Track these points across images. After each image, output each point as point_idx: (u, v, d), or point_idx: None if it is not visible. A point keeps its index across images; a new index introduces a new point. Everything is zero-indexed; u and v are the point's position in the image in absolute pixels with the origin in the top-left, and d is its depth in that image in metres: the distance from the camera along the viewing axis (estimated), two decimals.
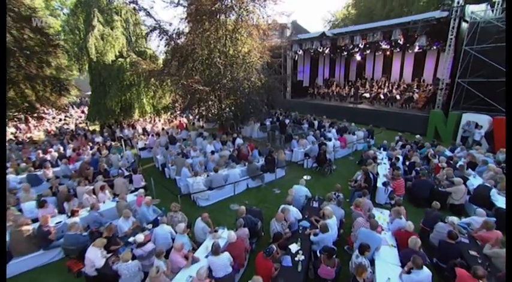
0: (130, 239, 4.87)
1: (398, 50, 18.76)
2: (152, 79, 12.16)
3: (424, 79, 18.41)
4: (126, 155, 10.05)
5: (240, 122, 15.36)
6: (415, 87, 17.00)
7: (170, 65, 10.85)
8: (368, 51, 20.72)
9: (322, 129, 12.02)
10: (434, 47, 16.92)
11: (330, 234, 4.67)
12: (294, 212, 5.32)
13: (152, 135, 12.93)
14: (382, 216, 5.38)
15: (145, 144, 12.31)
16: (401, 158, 8.26)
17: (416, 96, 15.47)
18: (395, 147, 9.29)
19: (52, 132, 17.04)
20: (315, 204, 6.05)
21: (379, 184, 6.95)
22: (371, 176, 6.93)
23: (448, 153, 8.99)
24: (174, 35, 10.74)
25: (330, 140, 10.16)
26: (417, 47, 13.22)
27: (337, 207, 5.35)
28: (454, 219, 4.73)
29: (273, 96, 13.60)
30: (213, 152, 9.44)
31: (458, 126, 12.08)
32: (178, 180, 8.46)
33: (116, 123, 16.44)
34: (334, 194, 6.04)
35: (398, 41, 13.48)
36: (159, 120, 17.35)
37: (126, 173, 8.50)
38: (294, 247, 4.58)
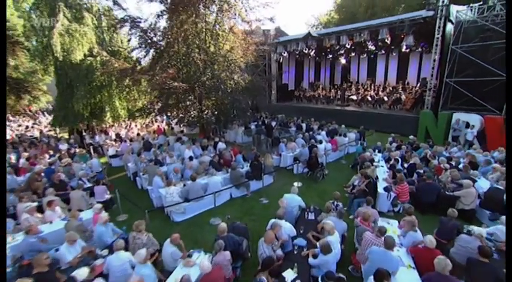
0: (74, 273, 3.66)
1: (383, 52, 18.62)
2: (127, 79, 10.96)
3: (409, 82, 18.34)
4: (90, 164, 8.71)
5: (224, 126, 14.38)
6: (401, 89, 16.80)
7: (144, 62, 9.71)
8: (353, 54, 20.51)
9: (311, 132, 11.23)
10: (420, 49, 16.88)
11: (333, 255, 3.72)
12: (287, 228, 4.34)
13: (125, 141, 11.60)
14: (391, 228, 4.51)
15: (116, 151, 10.96)
16: (399, 160, 7.55)
17: (404, 97, 15.18)
18: (391, 148, 8.60)
19: (11, 140, 15.14)
20: (311, 216, 5.11)
21: (380, 189, 6.14)
22: (372, 180, 6.10)
23: (445, 153, 8.41)
24: (148, 30, 9.66)
25: (320, 142, 9.36)
26: (405, 47, 12.96)
27: (338, 220, 4.43)
28: (481, 230, 3.94)
29: (259, 97, 12.74)
30: (191, 158, 8.35)
31: (449, 127, 11.74)
32: (151, 191, 7.26)
33: (87, 129, 14.91)
34: (333, 203, 5.14)
35: (386, 41, 13.14)
36: (135, 125, 15.95)
37: (88, 185, 7.22)
38: (289, 274, 3.58)
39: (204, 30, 9.77)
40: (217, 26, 10.36)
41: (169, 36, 9.17)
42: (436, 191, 5.94)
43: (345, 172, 8.91)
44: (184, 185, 6.74)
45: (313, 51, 18.12)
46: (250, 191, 7.55)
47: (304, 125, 12.89)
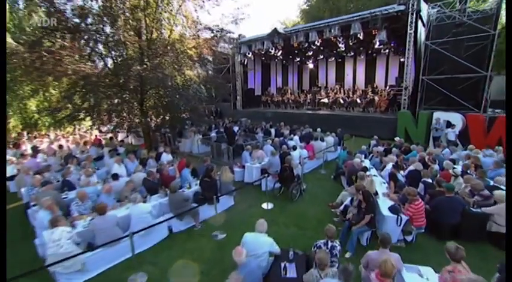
0: None
1: (352, 53, 17.88)
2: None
3: (377, 85, 17.74)
4: None
5: (178, 134, 11.90)
6: (371, 92, 15.96)
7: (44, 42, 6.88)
8: (321, 56, 19.62)
9: (282, 137, 9.30)
10: (386, 52, 16.36)
11: None
12: None
13: (34, 156, 8.54)
14: None
15: (17, 170, 7.85)
16: (397, 166, 5.82)
17: (377, 99, 14.19)
18: (381, 152, 6.92)
19: None
20: (291, 271, 2.94)
21: (384, 210, 4.25)
22: (372, 198, 4.18)
23: (442, 156, 6.97)
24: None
25: (294, 148, 7.41)
26: (378, 43, 12.00)
27: None
28: None
29: (222, 103, 10.53)
30: (115, 176, 5.80)
31: (429, 127, 10.69)
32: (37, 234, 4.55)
33: None
34: (325, 244, 3.05)
35: (358, 36, 12.04)
36: (63, 136, 12.62)
37: None
38: None
39: (139, 6, 7.42)
40: (161, 7, 8.10)
41: (85, 9, 6.62)
42: (460, 208, 4.21)
43: (326, 185, 7.02)
44: (89, 222, 4.21)
45: (280, 52, 16.65)
46: (200, 221, 5.20)
47: (273, 131, 10.96)
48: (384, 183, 5.39)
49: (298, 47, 15.69)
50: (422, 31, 11.64)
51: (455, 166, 5.92)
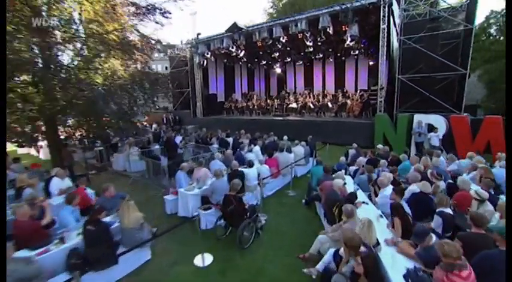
0: None
1: (321, 55, 16.68)
2: None
3: (347, 90, 16.69)
4: None
5: (113, 148, 9.33)
6: (341, 96, 14.71)
7: None
8: (289, 59, 18.23)
9: (239, 149, 7.17)
10: (358, 54, 15.38)
11: None
12: None
13: None
14: None
15: None
16: (390, 188, 3.96)
17: (349, 102, 12.85)
18: (369, 166, 5.04)
19: None
20: None
21: (392, 273, 2.27)
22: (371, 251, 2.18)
23: (443, 167, 5.36)
24: None
25: (250, 165, 5.31)
26: (349, 39, 10.67)
27: None
28: None
29: (181, 112, 8.25)
30: None
31: (410, 131, 9.36)
32: None
33: None
34: None
35: (328, 30, 10.61)
36: None
37: None
38: None
39: None
40: None
41: None
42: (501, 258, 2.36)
43: (296, 215, 4.99)
44: None
45: (243, 52, 14.83)
46: None
47: (231, 140, 8.82)
48: (381, 216, 3.48)
49: (262, 46, 14.01)
50: (394, 29, 10.55)
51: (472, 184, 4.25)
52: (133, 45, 6.48)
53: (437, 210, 3.22)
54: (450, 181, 4.60)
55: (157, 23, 6.68)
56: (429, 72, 9.81)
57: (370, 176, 4.57)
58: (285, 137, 8.27)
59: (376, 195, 4.28)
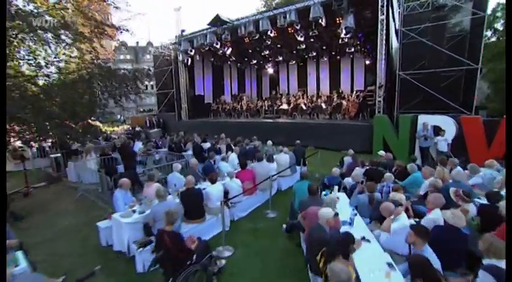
0: None
1: (314, 53, 15.59)
2: None
3: (343, 90, 15.58)
4: None
5: (72, 155, 8.07)
6: (336, 97, 13.58)
7: None
8: (281, 58, 17.09)
9: (210, 158, 5.85)
10: (354, 51, 14.29)
11: None
12: None
13: None
14: None
15: None
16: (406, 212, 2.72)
17: (344, 103, 11.69)
18: (372, 184, 3.76)
19: None
20: None
21: None
22: None
23: (465, 182, 4.13)
24: None
25: (212, 180, 4.00)
26: (344, 32, 9.53)
27: None
28: None
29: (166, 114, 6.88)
30: None
31: (415, 134, 8.19)
32: None
33: None
34: None
35: (320, 21, 9.46)
36: None
37: None
38: None
39: None
40: None
41: None
42: None
43: (273, 248, 3.71)
44: None
45: (230, 49, 13.64)
46: None
47: (208, 145, 7.54)
48: (391, 265, 2.22)
49: (250, 42, 12.86)
50: (393, 22, 9.45)
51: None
52: (76, 30, 5.19)
53: (485, 262, 1.98)
54: (481, 201, 3.38)
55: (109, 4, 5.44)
56: (433, 68, 8.67)
57: (372, 196, 3.32)
58: (269, 142, 7.02)
59: (381, 223, 3.04)
